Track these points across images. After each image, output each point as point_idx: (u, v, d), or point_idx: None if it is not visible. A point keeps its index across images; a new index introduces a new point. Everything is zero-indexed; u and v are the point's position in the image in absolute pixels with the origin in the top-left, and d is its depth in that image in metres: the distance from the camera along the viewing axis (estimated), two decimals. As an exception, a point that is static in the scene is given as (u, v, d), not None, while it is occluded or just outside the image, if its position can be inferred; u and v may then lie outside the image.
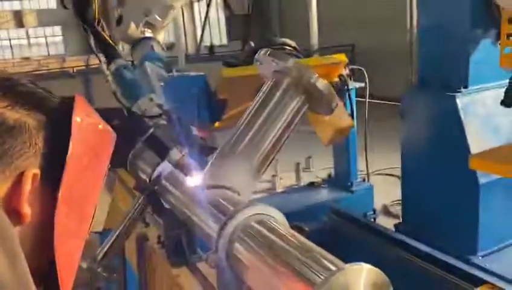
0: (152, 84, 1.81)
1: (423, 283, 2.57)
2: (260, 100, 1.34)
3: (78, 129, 0.73)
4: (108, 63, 1.66)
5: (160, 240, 1.82)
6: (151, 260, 1.80)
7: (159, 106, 1.55)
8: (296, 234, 0.99)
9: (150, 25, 2.23)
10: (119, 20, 2.20)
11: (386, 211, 4.85)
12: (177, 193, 1.46)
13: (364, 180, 3.92)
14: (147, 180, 1.60)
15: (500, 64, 2.31)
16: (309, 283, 0.81)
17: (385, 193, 4.84)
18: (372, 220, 3.62)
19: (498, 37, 2.60)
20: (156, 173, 1.57)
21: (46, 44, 31.12)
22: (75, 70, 11.88)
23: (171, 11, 2.23)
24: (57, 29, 29.68)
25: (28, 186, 0.68)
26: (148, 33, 2.27)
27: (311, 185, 4.02)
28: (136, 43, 2.23)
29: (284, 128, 1.32)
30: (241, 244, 1.04)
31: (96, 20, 1.54)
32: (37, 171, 0.69)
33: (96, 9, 1.52)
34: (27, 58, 27.27)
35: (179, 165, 1.43)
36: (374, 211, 3.73)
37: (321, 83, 1.29)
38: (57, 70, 14.91)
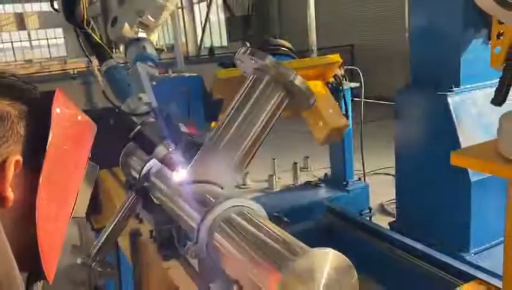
0: (142, 83, 1.85)
1: (416, 280, 2.61)
2: (242, 97, 1.38)
3: (58, 119, 0.77)
4: (100, 63, 1.70)
5: (152, 234, 1.87)
6: (144, 255, 1.85)
7: (148, 104, 1.60)
8: (270, 223, 1.04)
9: (143, 25, 2.27)
10: (114, 21, 2.24)
11: (383, 210, 4.89)
12: (164, 189, 1.50)
13: (360, 179, 3.95)
14: (137, 177, 1.65)
15: (490, 63, 2.35)
16: (277, 267, 0.86)
17: (382, 191, 4.87)
18: (368, 218, 3.66)
19: (489, 36, 2.63)
20: (145, 170, 1.62)
21: (48, 46, 31.15)
22: (76, 72, 11.93)
23: (164, 11, 2.26)
24: (59, 31, 29.72)
25: (10, 172, 0.72)
26: (142, 33, 2.30)
27: (308, 184, 4.06)
28: (129, 43, 2.28)
29: (264, 124, 1.36)
30: (220, 234, 1.08)
31: (85, 22, 1.58)
32: (19, 158, 0.73)
33: (84, 11, 1.56)
34: (29, 61, 27.34)
35: (164, 161, 1.47)
36: (370, 209, 3.77)
37: (299, 80, 1.33)
38: (59, 72, 14.99)
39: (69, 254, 1.68)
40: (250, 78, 1.39)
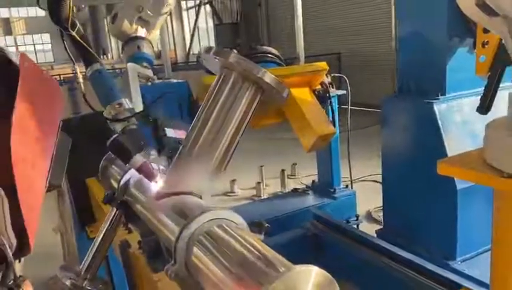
0: (129, 87, 1.80)
1: (402, 288, 2.60)
2: (211, 97, 1.32)
3: (26, 72, 0.77)
4: (86, 67, 1.66)
5: (141, 245, 1.82)
6: (135, 266, 1.79)
7: (130, 110, 1.55)
8: (251, 237, 0.99)
9: (143, 21, 2.22)
10: (114, 17, 2.20)
11: (370, 217, 4.89)
12: (143, 201, 1.44)
13: (347, 186, 3.95)
14: (116, 188, 1.59)
15: (475, 72, 2.37)
16: (259, 285, 0.82)
17: (369, 199, 4.88)
18: (355, 226, 3.65)
19: (474, 45, 2.65)
20: (123, 181, 1.55)
21: (34, 52, 30.90)
22: (62, 78, 11.83)
23: (164, 6, 2.21)
24: (46, 36, 29.48)
25: None
26: (141, 31, 2.25)
27: (295, 191, 4.04)
28: (126, 42, 2.23)
29: (239, 123, 1.31)
30: (199, 251, 1.03)
31: (70, 24, 1.53)
32: None
33: (69, 12, 1.51)
34: (15, 66, 26.93)
35: (141, 171, 1.42)
36: (357, 217, 3.77)
37: (268, 76, 1.28)
38: (45, 78, 14.86)
39: (47, 263, 1.62)
40: (218, 77, 1.33)
